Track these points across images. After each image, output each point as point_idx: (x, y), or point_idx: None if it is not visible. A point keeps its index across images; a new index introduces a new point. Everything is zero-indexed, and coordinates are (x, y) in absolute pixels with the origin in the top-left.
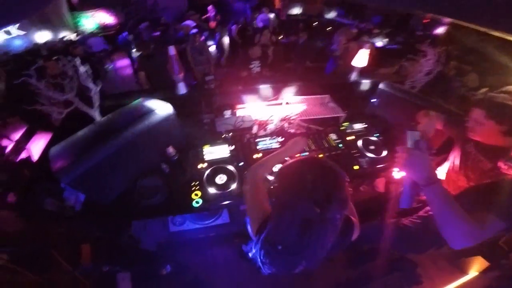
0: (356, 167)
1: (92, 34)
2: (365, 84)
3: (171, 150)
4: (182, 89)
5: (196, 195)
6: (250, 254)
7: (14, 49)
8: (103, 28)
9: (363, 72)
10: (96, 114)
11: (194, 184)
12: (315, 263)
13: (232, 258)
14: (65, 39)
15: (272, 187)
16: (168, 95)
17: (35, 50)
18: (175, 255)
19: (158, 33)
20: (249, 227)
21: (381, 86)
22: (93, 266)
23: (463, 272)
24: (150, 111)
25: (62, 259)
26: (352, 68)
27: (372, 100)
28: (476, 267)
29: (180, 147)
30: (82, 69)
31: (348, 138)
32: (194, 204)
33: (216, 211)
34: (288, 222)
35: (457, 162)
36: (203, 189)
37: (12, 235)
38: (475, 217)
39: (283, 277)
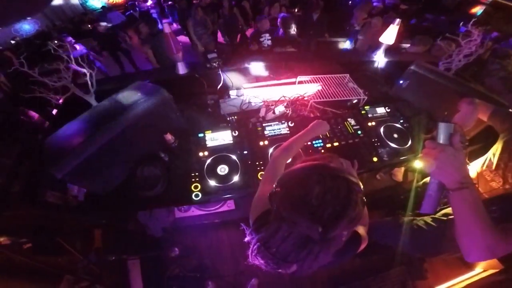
0: (375, 159)
1: (108, 9)
2: (391, 63)
3: (169, 137)
4: (181, 69)
5: (196, 187)
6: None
7: (24, 33)
8: (111, 7)
9: (389, 50)
10: (92, 100)
11: (194, 174)
12: (307, 273)
13: (238, 242)
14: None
15: (274, 191)
16: (169, 76)
17: (45, 34)
18: (182, 239)
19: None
20: (251, 212)
21: (412, 66)
22: (104, 254)
23: (470, 268)
24: (144, 96)
25: (72, 248)
26: (376, 45)
27: (399, 82)
28: (483, 265)
29: (180, 133)
30: (79, 51)
31: (368, 124)
32: (194, 197)
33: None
34: (286, 235)
35: (496, 160)
36: (203, 181)
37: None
38: (503, 228)
39: None
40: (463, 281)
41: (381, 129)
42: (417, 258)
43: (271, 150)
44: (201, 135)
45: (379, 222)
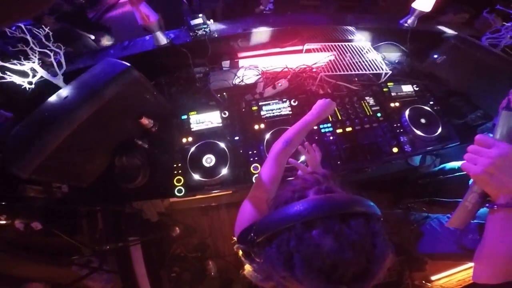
0: (395, 150)
1: None
2: (424, 34)
3: (146, 121)
4: (161, 39)
5: (179, 181)
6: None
7: None
8: None
9: (422, 19)
10: (61, 82)
11: (177, 166)
12: None
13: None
14: None
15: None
16: (147, 48)
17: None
18: (183, 218)
19: None
20: (237, 218)
21: (452, 38)
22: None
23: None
24: (110, 77)
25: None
26: (408, 11)
27: (433, 56)
28: None
29: (161, 116)
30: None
31: (391, 105)
32: (177, 192)
33: None
34: None
35: None
36: (186, 174)
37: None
38: None
39: None
40: (460, 271)
41: (407, 112)
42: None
43: (267, 136)
44: (184, 117)
45: (386, 214)
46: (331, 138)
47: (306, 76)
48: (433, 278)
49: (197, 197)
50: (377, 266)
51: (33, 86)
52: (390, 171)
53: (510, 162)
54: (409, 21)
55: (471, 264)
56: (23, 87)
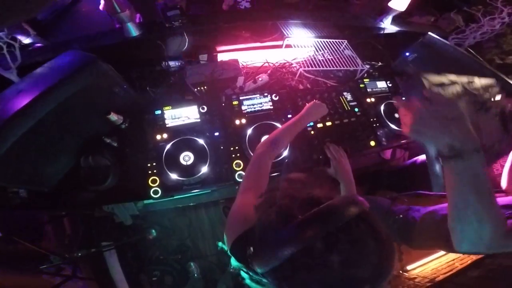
0: (372, 143)
1: None
2: (396, 33)
3: (115, 117)
4: (132, 30)
5: (154, 181)
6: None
7: None
8: None
9: (395, 18)
10: (14, 76)
11: (151, 165)
12: None
13: (218, 220)
14: None
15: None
16: (117, 40)
17: None
18: (158, 220)
19: None
20: (227, 228)
21: (424, 37)
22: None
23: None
24: (73, 69)
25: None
26: (383, 11)
27: (404, 54)
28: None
29: (132, 111)
30: None
31: (367, 100)
32: (152, 194)
33: None
34: None
35: None
36: (162, 173)
37: None
38: None
39: None
40: (433, 260)
41: (382, 107)
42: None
43: (249, 131)
44: (158, 112)
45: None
46: (312, 132)
47: (286, 71)
48: (408, 268)
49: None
50: (390, 268)
51: None
52: (364, 165)
53: (425, 115)
54: (385, 20)
55: (441, 253)
56: None
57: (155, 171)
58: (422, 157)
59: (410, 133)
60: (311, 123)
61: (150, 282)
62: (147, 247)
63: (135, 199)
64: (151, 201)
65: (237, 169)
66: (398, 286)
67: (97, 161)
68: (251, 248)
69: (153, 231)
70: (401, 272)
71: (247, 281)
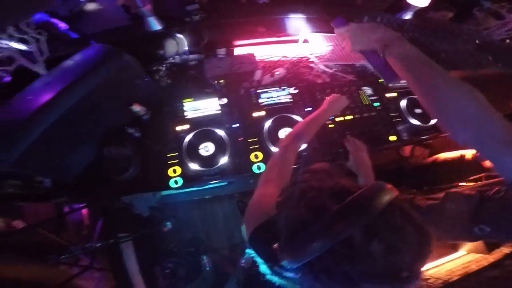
0: (392, 138)
1: None
2: (417, 28)
3: (137, 108)
4: (153, 24)
5: (174, 171)
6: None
7: None
8: None
9: (414, 15)
10: (42, 70)
11: (171, 155)
12: None
13: (232, 214)
14: None
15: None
16: (138, 34)
17: None
18: (174, 212)
19: None
20: (246, 217)
21: (453, 34)
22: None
23: (454, 248)
24: (98, 62)
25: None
26: (403, 7)
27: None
28: (467, 247)
29: (153, 103)
30: None
31: (387, 95)
32: (172, 183)
33: None
34: None
35: None
36: (182, 163)
37: None
38: None
39: None
40: (449, 261)
41: (403, 102)
42: None
43: (268, 123)
44: (178, 104)
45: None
46: (331, 126)
47: (303, 65)
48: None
49: (192, 189)
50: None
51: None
52: (382, 162)
53: (356, 27)
54: (404, 16)
55: (457, 254)
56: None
57: (175, 161)
58: (444, 155)
59: (352, 46)
60: (331, 117)
61: (163, 274)
62: (162, 239)
63: (156, 189)
64: (168, 192)
65: (255, 160)
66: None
67: (119, 151)
68: (277, 245)
69: (169, 223)
70: None
71: (268, 276)
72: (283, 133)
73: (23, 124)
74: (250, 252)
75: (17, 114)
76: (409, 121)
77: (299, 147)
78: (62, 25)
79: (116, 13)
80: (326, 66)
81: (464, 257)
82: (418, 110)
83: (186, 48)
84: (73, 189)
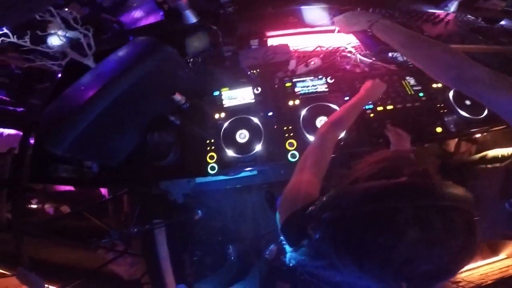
0: (438, 129)
1: None
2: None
3: (179, 97)
4: (189, 17)
5: (212, 157)
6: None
7: None
8: None
9: (462, 3)
10: (91, 62)
11: (209, 142)
12: None
13: (259, 205)
14: None
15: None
16: (176, 27)
17: None
18: (206, 201)
19: None
20: (280, 205)
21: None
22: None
23: (494, 253)
24: (143, 54)
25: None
26: None
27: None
28: (507, 252)
29: (192, 92)
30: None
31: (433, 86)
32: (209, 170)
33: None
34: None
35: None
36: (219, 150)
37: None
38: None
39: None
40: (483, 265)
41: (451, 93)
42: None
43: (304, 112)
44: (216, 93)
45: None
46: (371, 115)
47: (340, 55)
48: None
49: (224, 178)
50: (457, 268)
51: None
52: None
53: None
54: (450, 5)
55: (495, 258)
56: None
57: (213, 147)
58: (493, 152)
59: (347, 28)
60: (371, 106)
61: (191, 262)
62: (192, 226)
63: (194, 175)
64: (203, 179)
65: (290, 148)
66: None
67: (162, 138)
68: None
69: (199, 211)
70: None
71: (293, 262)
72: (320, 122)
73: (77, 111)
74: (281, 239)
75: (72, 103)
76: (458, 112)
77: (338, 135)
78: (107, 17)
79: (154, 7)
80: (364, 55)
81: (502, 261)
82: (468, 102)
83: (221, 39)
84: (117, 175)
